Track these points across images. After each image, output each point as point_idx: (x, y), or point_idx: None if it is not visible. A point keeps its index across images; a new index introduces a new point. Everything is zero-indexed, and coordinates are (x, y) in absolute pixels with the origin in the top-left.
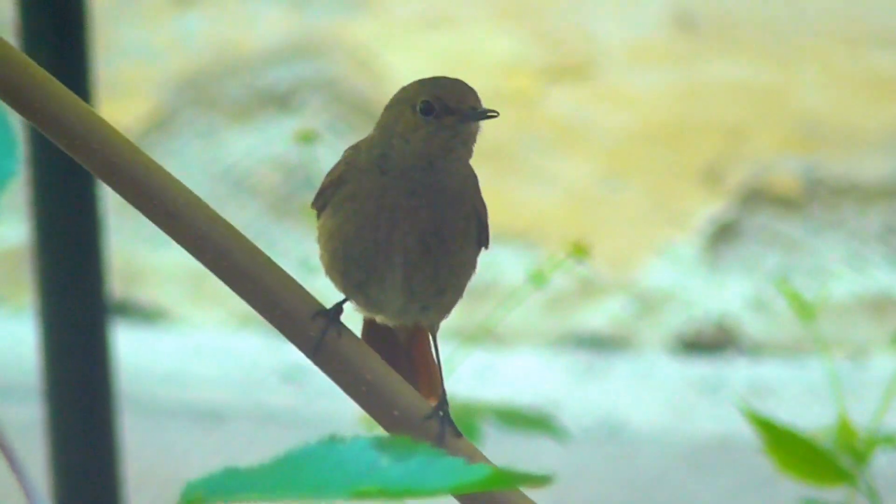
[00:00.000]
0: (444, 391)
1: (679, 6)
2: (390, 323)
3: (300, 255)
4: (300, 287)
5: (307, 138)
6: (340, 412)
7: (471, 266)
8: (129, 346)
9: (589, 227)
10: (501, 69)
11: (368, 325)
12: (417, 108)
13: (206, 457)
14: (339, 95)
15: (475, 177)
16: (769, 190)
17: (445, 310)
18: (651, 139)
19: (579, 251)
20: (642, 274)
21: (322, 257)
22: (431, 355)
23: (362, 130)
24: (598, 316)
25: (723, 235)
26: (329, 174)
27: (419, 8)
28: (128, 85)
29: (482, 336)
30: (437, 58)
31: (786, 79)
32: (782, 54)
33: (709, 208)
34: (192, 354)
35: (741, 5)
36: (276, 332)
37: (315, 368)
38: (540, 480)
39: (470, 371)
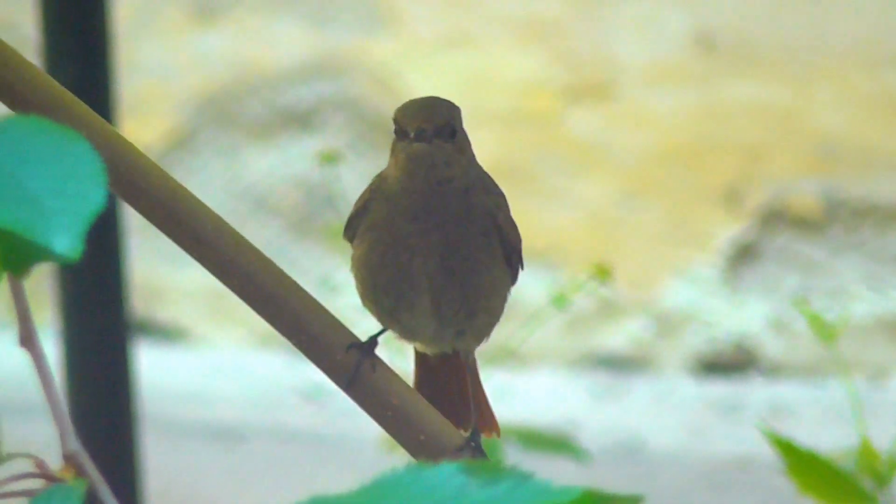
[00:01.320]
0: (476, 422)
1: (698, 27)
2: (429, 352)
3: (320, 275)
4: (327, 312)
5: (330, 159)
6: (362, 432)
7: (501, 286)
8: (149, 365)
9: (609, 247)
10: (522, 89)
11: (421, 376)
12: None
13: (225, 476)
14: (360, 114)
15: (500, 195)
16: (789, 211)
17: (482, 334)
18: (671, 160)
19: (602, 273)
20: (662, 295)
21: (357, 287)
22: (469, 386)
23: (383, 150)
24: (618, 336)
25: (743, 256)
26: (356, 203)
27: (440, 27)
28: (148, 103)
29: (503, 357)
30: (458, 77)
31: (805, 100)
32: (801, 75)
33: (729, 229)
34: (212, 373)
35: (760, 26)
36: (296, 351)
37: (336, 388)
38: (630, 501)
39: (490, 392)
